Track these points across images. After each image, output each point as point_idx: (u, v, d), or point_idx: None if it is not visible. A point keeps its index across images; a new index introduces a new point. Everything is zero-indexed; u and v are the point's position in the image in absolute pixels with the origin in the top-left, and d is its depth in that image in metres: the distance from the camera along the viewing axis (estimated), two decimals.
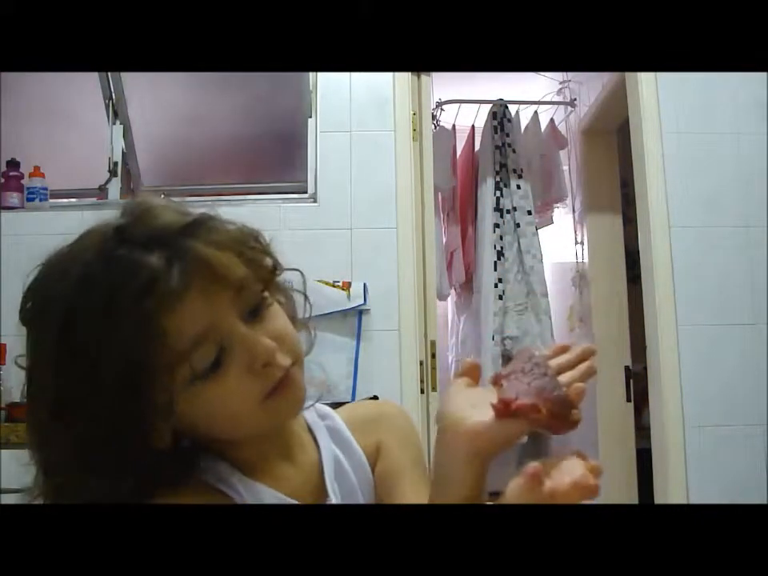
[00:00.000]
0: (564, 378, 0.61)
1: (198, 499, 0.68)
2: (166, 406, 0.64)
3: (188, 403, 0.65)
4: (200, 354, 0.64)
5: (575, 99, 3.65)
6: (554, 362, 0.63)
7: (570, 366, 0.63)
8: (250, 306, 0.68)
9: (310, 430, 0.81)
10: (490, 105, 3.52)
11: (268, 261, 0.72)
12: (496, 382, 0.62)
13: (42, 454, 0.68)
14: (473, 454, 0.59)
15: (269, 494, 0.72)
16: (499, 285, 3.28)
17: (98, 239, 0.67)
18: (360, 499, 0.78)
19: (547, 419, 0.57)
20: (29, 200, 2.47)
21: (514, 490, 0.52)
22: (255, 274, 0.69)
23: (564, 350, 0.64)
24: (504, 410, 0.58)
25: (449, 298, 3.86)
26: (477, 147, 3.60)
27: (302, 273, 0.79)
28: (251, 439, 0.72)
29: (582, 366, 0.63)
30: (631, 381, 3.28)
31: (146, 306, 0.61)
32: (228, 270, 0.65)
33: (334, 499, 0.75)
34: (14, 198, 2.45)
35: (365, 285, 2.35)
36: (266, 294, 0.71)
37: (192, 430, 0.69)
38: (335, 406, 0.86)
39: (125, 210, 0.69)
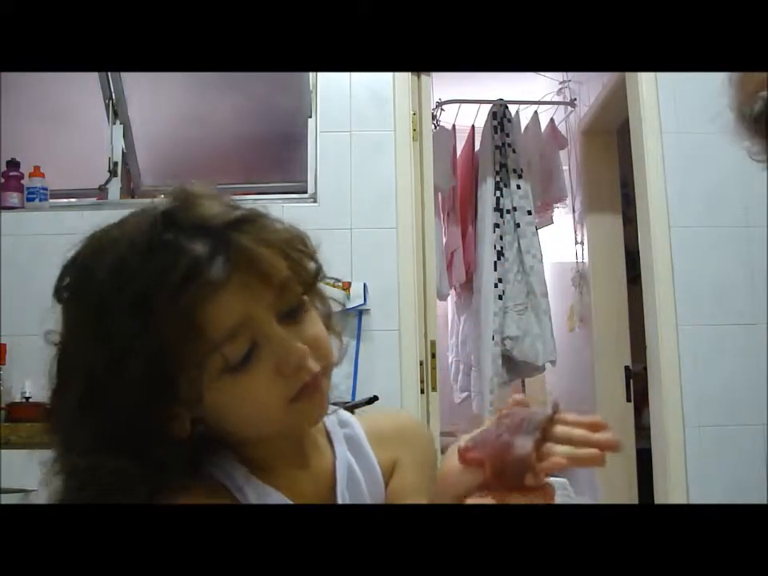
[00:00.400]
0: (563, 449, 0.58)
1: (199, 495, 0.67)
2: (193, 395, 0.64)
3: (214, 395, 0.65)
4: (232, 347, 0.64)
5: (575, 99, 3.65)
6: (561, 430, 0.59)
7: (582, 440, 0.59)
8: (289, 308, 0.68)
9: (329, 436, 0.80)
10: (490, 105, 3.52)
11: (312, 265, 0.72)
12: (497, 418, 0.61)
13: (63, 432, 0.66)
14: (441, 494, 0.62)
15: (275, 497, 0.71)
16: (499, 285, 3.28)
17: (145, 221, 0.65)
18: None
19: (491, 478, 0.56)
20: (29, 200, 2.47)
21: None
22: (298, 277, 0.69)
23: (578, 423, 0.61)
24: (460, 456, 0.58)
25: (449, 298, 3.86)
26: (477, 147, 3.60)
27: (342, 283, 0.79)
28: (268, 439, 0.72)
29: (594, 444, 0.60)
30: (631, 381, 3.28)
31: (185, 294, 0.61)
32: (272, 268, 0.65)
33: None
34: (14, 198, 2.45)
35: (365, 285, 2.35)
36: (306, 297, 0.71)
37: (213, 422, 0.69)
38: (334, 406, 0.86)
39: (174, 195, 0.68)
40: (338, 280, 2.36)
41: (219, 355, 0.63)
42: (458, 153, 3.70)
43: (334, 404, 0.81)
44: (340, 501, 0.74)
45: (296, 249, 0.70)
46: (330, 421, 0.81)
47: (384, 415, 0.89)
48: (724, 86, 0.94)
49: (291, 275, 0.68)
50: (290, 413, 0.67)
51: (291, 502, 0.71)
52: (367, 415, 0.87)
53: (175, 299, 0.61)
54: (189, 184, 0.69)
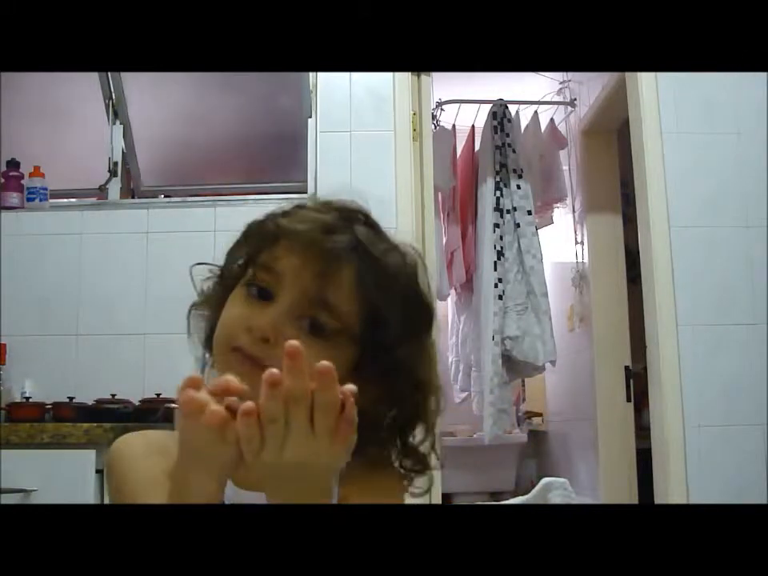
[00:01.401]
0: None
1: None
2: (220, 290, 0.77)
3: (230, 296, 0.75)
4: (260, 274, 0.73)
5: (575, 99, 3.65)
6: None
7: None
8: (319, 322, 0.71)
9: None
10: (490, 105, 3.52)
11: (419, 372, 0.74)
12: None
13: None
14: None
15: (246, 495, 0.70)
16: (499, 285, 3.28)
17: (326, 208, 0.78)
18: None
19: None
20: (29, 200, 2.46)
21: None
22: (358, 323, 0.72)
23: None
24: None
25: (449, 298, 3.86)
26: (477, 147, 3.60)
27: None
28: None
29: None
30: (631, 381, 3.28)
31: (283, 220, 0.74)
32: (334, 290, 0.71)
33: None
34: (14, 198, 2.45)
35: None
36: (340, 336, 0.72)
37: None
38: None
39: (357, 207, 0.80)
40: None
41: (254, 271, 0.73)
42: (458, 153, 3.70)
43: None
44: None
45: (382, 316, 0.72)
46: None
47: None
48: None
49: (341, 310, 0.71)
50: (225, 358, 0.71)
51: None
52: None
53: (283, 221, 0.75)
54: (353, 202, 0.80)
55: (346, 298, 0.71)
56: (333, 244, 0.71)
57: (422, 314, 0.78)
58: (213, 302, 0.78)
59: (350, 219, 0.76)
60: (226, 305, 0.74)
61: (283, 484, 0.56)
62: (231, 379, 0.56)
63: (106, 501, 0.69)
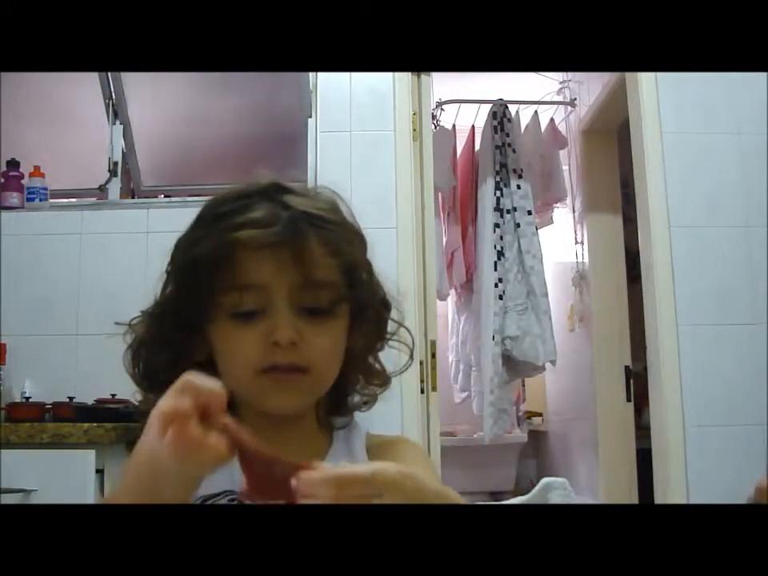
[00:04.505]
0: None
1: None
2: (205, 318, 0.74)
3: (219, 333, 0.74)
4: (243, 298, 0.72)
5: (575, 99, 3.65)
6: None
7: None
8: (315, 306, 0.74)
9: (331, 444, 0.81)
10: (490, 105, 3.52)
11: (374, 292, 0.80)
12: None
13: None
14: None
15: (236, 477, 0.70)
16: (499, 285, 3.28)
17: (251, 186, 0.79)
18: None
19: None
20: (29, 200, 2.46)
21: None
22: (347, 290, 0.75)
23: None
24: None
25: (449, 298, 3.86)
26: (477, 147, 3.60)
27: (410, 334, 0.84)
28: (253, 416, 0.75)
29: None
30: (631, 381, 3.28)
31: (233, 233, 0.71)
32: (314, 264, 0.72)
33: None
34: (14, 197, 2.45)
35: None
36: (340, 307, 0.76)
37: (217, 362, 0.76)
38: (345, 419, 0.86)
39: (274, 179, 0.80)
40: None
41: (230, 297, 0.72)
42: (458, 153, 3.70)
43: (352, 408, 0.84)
44: None
45: (357, 268, 0.77)
46: (340, 432, 0.82)
47: (387, 436, 0.88)
48: None
49: (334, 282, 0.74)
50: (254, 384, 0.73)
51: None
52: (379, 435, 0.87)
53: (227, 234, 0.71)
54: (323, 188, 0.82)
55: (326, 267, 0.74)
56: (287, 229, 0.72)
57: (363, 240, 0.82)
58: (159, 341, 0.78)
59: (272, 196, 0.76)
60: (220, 343, 0.75)
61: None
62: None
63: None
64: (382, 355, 0.84)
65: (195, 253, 0.74)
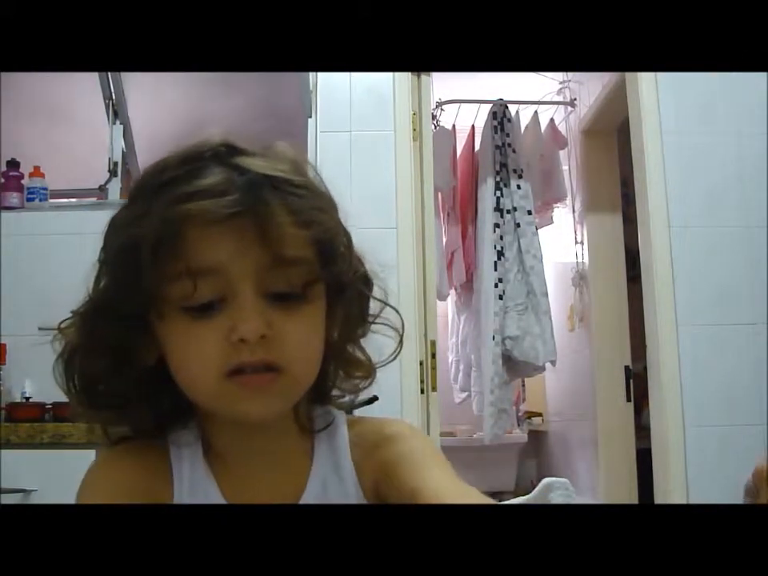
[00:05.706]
0: None
1: (129, 451, 0.69)
2: (154, 315, 0.63)
3: (169, 331, 0.62)
4: (198, 286, 0.59)
5: (575, 99, 3.65)
6: None
7: None
8: (284, 290, 0.62)
9: (313, 445, 0.71)
10: (490, 105, 3.52)
11: (353, 268, 0.67)
12: None
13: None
14: None
15: (210, 491, 0.66)
16: (499, 285, 3.28)
17: (198, 147, 0.66)
18: None
19: None
20: (29, 200, 2.46)
21: None
22: (322, 268, 0.63)
23: None
24: None
25: (449, 298, 3.86)
26: (477, 147, 3.60)
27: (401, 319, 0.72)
28: (223, 423, 0.67)
29: None
30: (631, 381, 3.28)
31: (182, 207, 0.59)
32: (283, 238, 0.60)
33: None
34: (14, 197, 2.45)
35: None
36: (312, 290, 0.63)
37: (170, 367, 0.64)
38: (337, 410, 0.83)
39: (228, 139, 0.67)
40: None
41: (180, 287, 0.59)
42: (458, 153, 3.70)
43: (338, 406, 0.76)
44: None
45: (333, 240, 0.64)
46: (322, 435, 0.72)
47: (379, 419, 0.80)
48: None
49: (307, 258, 0.62)
50: (221, 389, 0.61)
51: (224, 502, 0.66)
52: (358, 418, 0.78)
53: (172, 208, 0.59)
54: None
55: (297, 241, 0.62)
56: (246, 197, 0.60)
57: (335, 205, 0.70)
58: (96, 345, 0.66)
59: (223, 159, 0.63)
60: (172, 343, 0.63)
61: None
62: None
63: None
64: (364, 342, 0.73)
65: (133, 234, 0.60)
